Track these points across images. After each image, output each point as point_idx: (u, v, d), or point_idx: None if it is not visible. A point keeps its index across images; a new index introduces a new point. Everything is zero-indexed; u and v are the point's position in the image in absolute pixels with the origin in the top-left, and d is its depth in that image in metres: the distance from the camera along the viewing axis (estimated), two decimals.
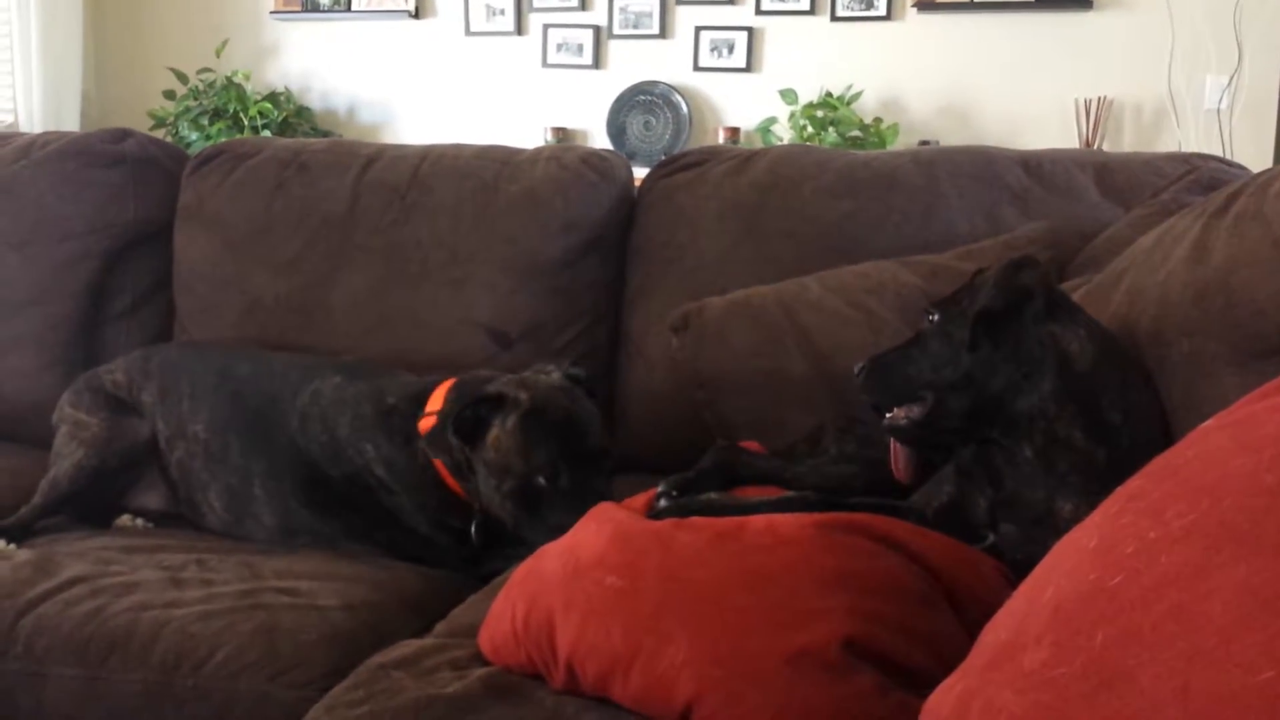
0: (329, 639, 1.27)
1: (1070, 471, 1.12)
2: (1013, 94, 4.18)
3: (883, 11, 4.28)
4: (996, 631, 0.61)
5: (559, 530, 1.25)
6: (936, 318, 1.21)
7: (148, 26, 4.83)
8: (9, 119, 4.35)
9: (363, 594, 1.38)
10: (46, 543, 1.56)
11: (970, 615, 1.04)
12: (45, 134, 2.16)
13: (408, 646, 1.21)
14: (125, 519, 1.68)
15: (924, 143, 4.09)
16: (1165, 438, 1.11)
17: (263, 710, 1.21)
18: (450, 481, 1.51)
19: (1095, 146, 3.97)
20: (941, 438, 1.21)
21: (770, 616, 1.00)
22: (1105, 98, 4.02)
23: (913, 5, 4.25)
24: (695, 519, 1.16)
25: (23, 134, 2.20)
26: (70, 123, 4.46)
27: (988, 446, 1.18)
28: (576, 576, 1.10)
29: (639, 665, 1.01)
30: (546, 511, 1.43)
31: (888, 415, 1.21)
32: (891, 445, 1.26)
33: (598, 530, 1.16)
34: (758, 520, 1.12)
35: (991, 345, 1.14)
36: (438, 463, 1.50)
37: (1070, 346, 1.14)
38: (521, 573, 1.19)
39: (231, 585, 1.38)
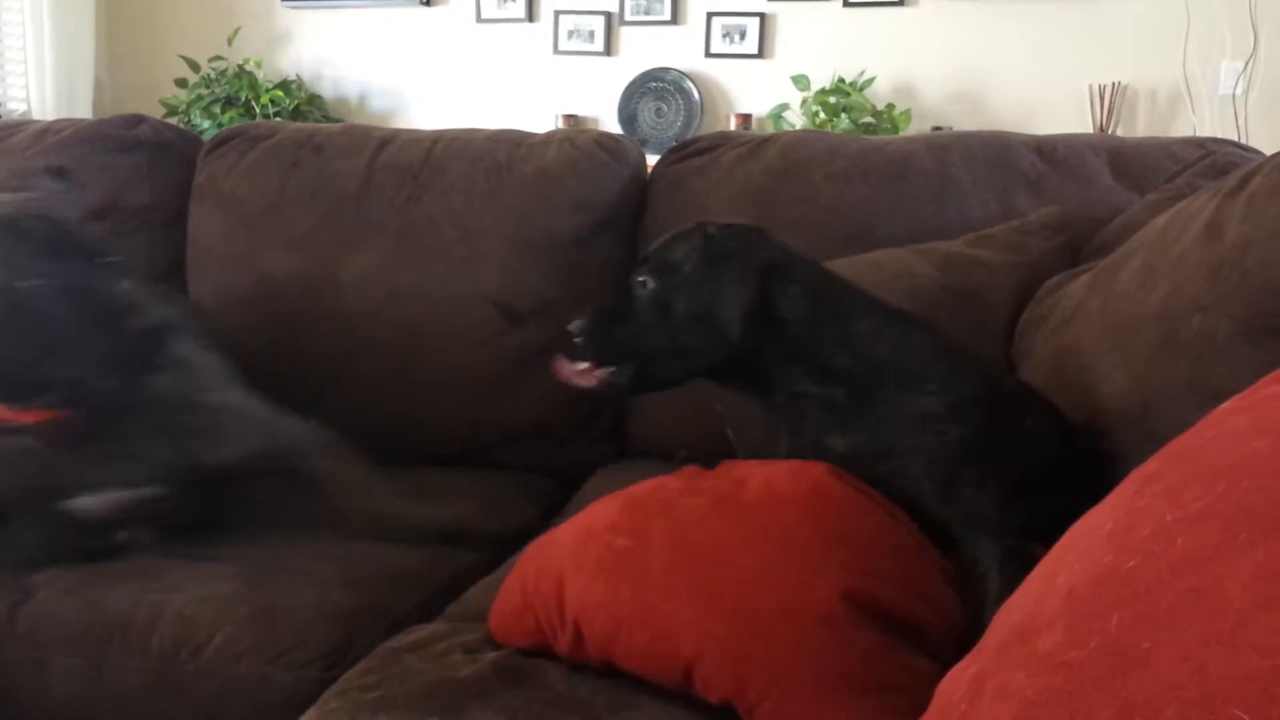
0: (328, 617, 1.27)
1: (821, 412, 1.24)
2: (1026, 79, 4.16)
3: None
4: (1010, 614, 0.60)
5: None
6: (651, 284, 1.27)
7: (160, 14, 4.83)
8: (22, 107, 4.36)
9: (361, 570, 1.39)
10: None
11: None
12: (59, 120, 2.16)
13: (419, 631, 1.22)
14: None
15: (937, 128, 4.07)
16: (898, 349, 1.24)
17: (264, 692, 1.22)
18: None
19: (1109, 132, 3.94)
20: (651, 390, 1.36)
21: (771, 574, 1.02)
22: (1119, 83, 4.00)
23: None
24: (701, 484, 1.17)
25: (36, 121, 2.20)
26: (83, 111, 4.47)
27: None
28: (588, 540, 1.12)
29: (645, 622, 1.03)
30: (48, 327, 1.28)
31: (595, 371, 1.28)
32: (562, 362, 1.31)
33: (609, 501, 1.18)
34: (756, 480, 1.14)
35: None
36: None
37: (785, 312, 1.24)
38: (534, 546, 1.21)
39: (228, 567, 1.38)
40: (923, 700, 0.67)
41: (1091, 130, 3.96)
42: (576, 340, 1.29)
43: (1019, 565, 1.04)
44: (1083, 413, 1.24)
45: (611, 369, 1.29)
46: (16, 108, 4.36)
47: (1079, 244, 1.62)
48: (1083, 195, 1.74)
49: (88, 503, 1.35)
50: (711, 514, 1.09)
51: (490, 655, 1.13)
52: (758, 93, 4.39)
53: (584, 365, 1.30)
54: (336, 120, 4.59)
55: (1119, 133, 3.96)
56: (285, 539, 1.47)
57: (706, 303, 1.24)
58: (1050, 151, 1.80)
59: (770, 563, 1.03)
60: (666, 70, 4.47)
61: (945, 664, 0.79)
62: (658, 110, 4.50)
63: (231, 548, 1.42)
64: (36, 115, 4.32)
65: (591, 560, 1.10)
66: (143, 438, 1.35)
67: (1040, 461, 1.20)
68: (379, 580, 1.37)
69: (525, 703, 1.04)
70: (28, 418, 1.31)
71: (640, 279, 1.29)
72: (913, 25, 4.26)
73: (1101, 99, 4.00)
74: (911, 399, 1.21)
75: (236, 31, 4.62)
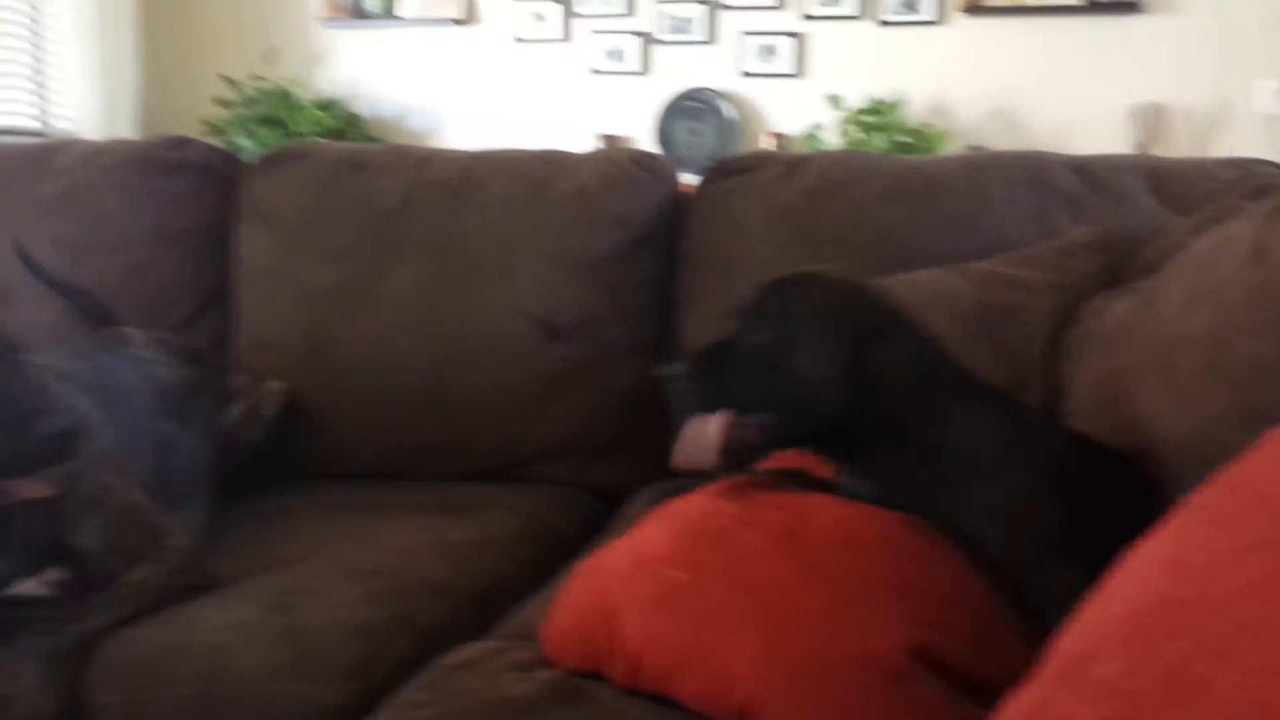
0: (353, 632, 1.28)
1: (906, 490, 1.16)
2: (1063, 99, 4.14)
3: (931, 16, 4.26)
4: (1066, 642, 0.60)
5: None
6: (762, 334, 1.19)
7: (200, 35, 4.91)
8: (67, 125, 4.43)
9: (386, 584, 1.40)
10: None
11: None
12: (107, 142, 2.19)
13: (471, 649, 1.22)
14: None
15: (973, 148, 4.06)
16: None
17: (299, 709, 1.22)
18: None
19: (1149, 152, 3.92)
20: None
21: (835, 620, 1.00)
22: (1157, 103, 3.97)
23: (961, 10, 4.23)
24: (762, 515, 1.13)
25: (83, 141, 2.24)
26: (126, 130, 4.54)
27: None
28: (640, 570, 1.11)
29: (703, 662, 1.01)
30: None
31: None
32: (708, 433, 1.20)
33: (659, 526, 1.16)
34: (824, 517, 1.11)
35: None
36: None
37: (885, 378, 1.16)
38: (583, 568, 1.20)
39: (255, 595, 1.37)
40: None
41: (1130, 150, 3.93)
42: (674, 383, 1.21)
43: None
44: (1128, 436, 1.23)
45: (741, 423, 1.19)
46: (62, 126, 4.43)
47: (1119, 265, 1.61)
48: (1122, 216, 1.73)
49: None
50: (774, 550, 1.06)
51: (543, 674, 1.13)
52: (792, 112, 4.40)
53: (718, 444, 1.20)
54: (375, 139, 4.64)
55: (1157, 153, 3.93)
56: (310, 566, 1.47)
57: (814, 362, 1.16)
58: (1089, 172, 1.79)
59: (834, 608, 1.00)
60: (701, 90, 4.49)
61: None
62: (692, 129, 4.51)
63: (258, 578, 1.42)
64: (81, 134, 4.39)
65: (648, 593, 1.08)
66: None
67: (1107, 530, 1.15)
68: (404, 593, 1.38)
69: None
70: None
71: (751, 328, 1.21)
72: (948, 44, 4.26)
73: (1139, 119, 3.98)
74: (994, 489, 1.14)
75: (273, 51, 4.68)
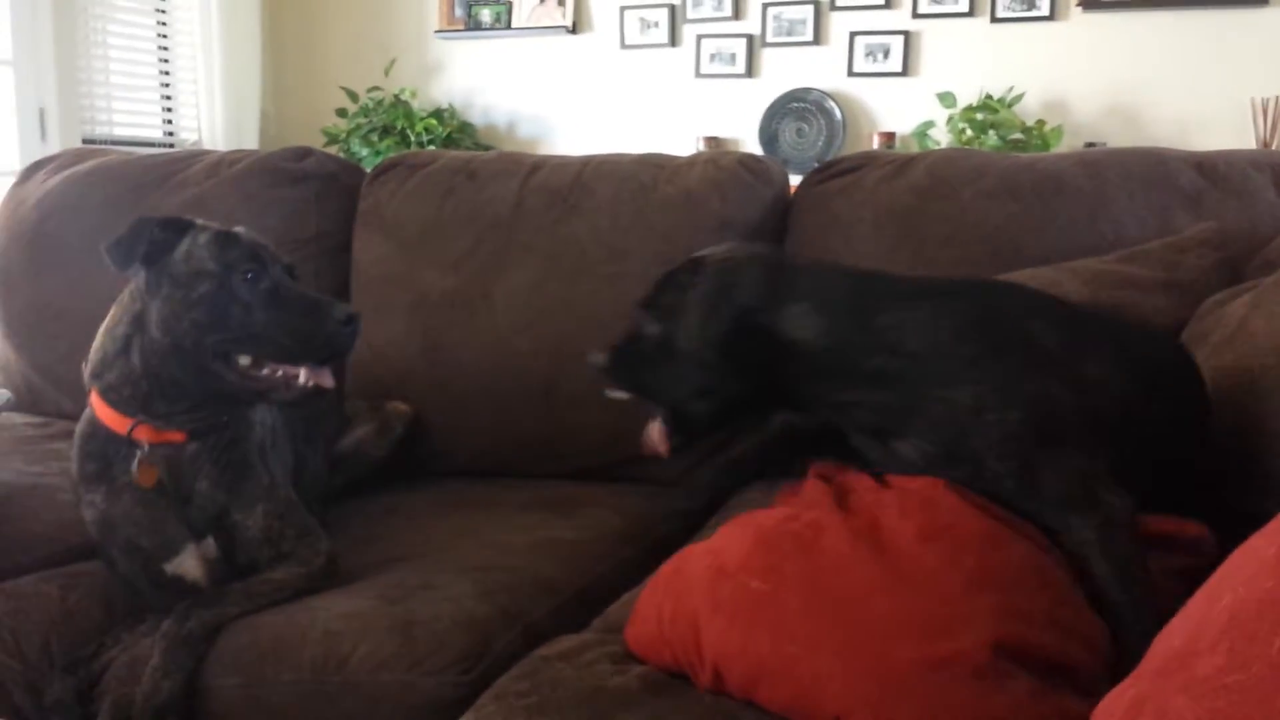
0: (462, 626, 1.32)
1: (881, 418, 1.19)
2: (1184, 94, 4.01)
3: (1045, 11, 4.17)
4: (1170, 638, 0.60)
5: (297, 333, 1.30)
6: (654, 326, 1.27)
7: (320, 48, 5.07)
8: (194, 137, 4.62)
9: (495, 581, 1.43)
10: None
11: None
12: (233, 152, 2.28)
13: (568, 641, 1.25)
14: None
15: (1090, 145, 3.97)
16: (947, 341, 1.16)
17: (407, 698, 1.26)
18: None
19: (1273, 147, 3.77)
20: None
21: (916, 623, 1.00)
22: None
23: (1077, 4, 4.13)
24: (835, 520, 1.14)
25: (211, 151, 2.33)
26: (250, 140, 4.72)
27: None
28: (720, 579, 1.12)
29: (786, 674, 1.02)
30: (247, 314, 1.33)
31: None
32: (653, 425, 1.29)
33: (741, 533, 1.18)
34: (896, 517, 1.11)
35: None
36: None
37: (792, 334, 1.19)
38: (666, 572, 1.22)
39: (369, 586, 1.42)
40: None
41: (1254, 146, 3.79)
42: (600, 370, 1.30)
43: (1120, 537, 1.07)
44: (1246, 434, 1.20)
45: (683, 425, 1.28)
46: (189, 137, 4.63)
47: (1240, 262, 1.56)
48: (1245, 212, 1.68)
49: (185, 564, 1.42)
50: (850, 556, 1.08)
51: (637, 668, 1.15)
52: (901, 111, 4.35)
53: (661, 432, 1.29)
54: (487, 147, 4.73)
55: None
56: (420, 561, 1.52)
57: (698, 339, 1.23)
58: (1210, 168, 1.74)
59: (915, 610, 1.01)
60: (808, 90, 4.47)
61: (1097, 699, 0.78)
62: (799, 130, 4.50)
63: (370, 572, 1.47)
64: (207, 144, 4.58)
65: (727, 603, 1.10)
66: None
67: (1116, 405, 1.14)
68: (512, 589, 1.42)
69: (673, 713, 1.06)
70: (168, 437, 1.38)
71: (645, 323, 1.29)
72: (1063, 39, 4.17)
73: (1264, 113, 3.83)
74: (958, 390, 1.15)
75: (393, 63, 4.81)
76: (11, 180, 2.47)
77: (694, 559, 1.19)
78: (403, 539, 1.61)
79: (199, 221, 1.41)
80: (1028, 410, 1.12)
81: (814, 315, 1.21)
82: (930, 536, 1.07)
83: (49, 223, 2.25)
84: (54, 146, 3.80)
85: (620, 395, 1.32)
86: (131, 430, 1.37)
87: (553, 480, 1.90)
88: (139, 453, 1.37)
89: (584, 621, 1.36)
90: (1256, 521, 0.67)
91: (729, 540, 1.18)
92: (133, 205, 2.14)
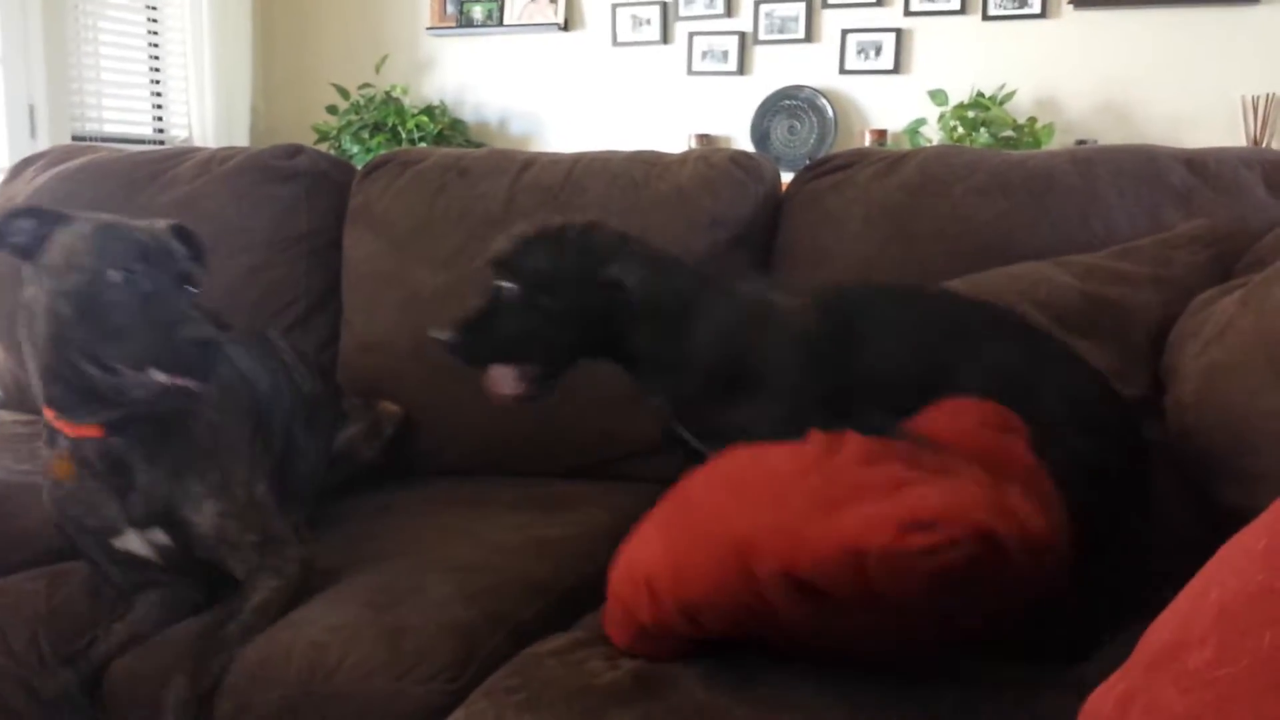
0: (449, 632, 1.31)
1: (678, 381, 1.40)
2: (1175, 92, 4.03)
3: (1037, 9, 4.18)
4: (1159, 631, 0.60)
5: (133, 340, 1.28)
6: (511, 287, 1.40)
7: (311, 44, 5.06)
8: (184, 134, 4.61)
9: (481, 583, 1.42)
10: None
11: None
12: (223, 150, 2.27)
13: (559, 639, 1.26)
14: None
15: (1081, 142, 3.97)
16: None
17: (397, 706, 1.25)
18: None
19: (1263, 145, 3.79)
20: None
21: (721, 516, 1.10)
22: (1273, 94, 3.83)
23: (1069, 2, 4.14)
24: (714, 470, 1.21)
25: (201, 149, 2.32)
26: (240, 137, 4.71)
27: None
28: (650, 522, 1.20)
29: (703, 543, 1.09)
30: (107, 314, 1.30)
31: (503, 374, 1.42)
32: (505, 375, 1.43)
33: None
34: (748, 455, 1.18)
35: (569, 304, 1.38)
36: None
37: (630, 280, 1.38)
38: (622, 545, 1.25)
39: (355, 594, 1.41)
40: None
41: (1244, 143, 3.80)
42: (449, 345, 1.40)
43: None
44: (1232, 431, 1.21)
45: (534, 371, 1.42)
46: (179, 134, 4.62)
47: (1231, 259, 1.57)
48: (1235, 210, 1.68)
49: (130, 543, 1.42)
50: (710, 486, 1.16)
51: (629, 664, 1.16)
52: (893, 108, 4.36)
53: (510, 376, 1.42)
54: (478, 144, 4.73)
55: (1273, 146, 3.80)
56: (409, 563, 1.51)
57: (559, 295, 1.38)
58: (1201, 165, 1.75)
59: (724, 509, 1.11)
60: (800, 88, 4.47)
61: None
62: (790, 128, 4.50)
63: (358, 575, 1.46)
64: (198, 141, 4.57)
65: (651, 526, 1.17)
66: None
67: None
68: (499, 592, 1.41)
69: (665, 710, 1.06)
70: (84, 432, 1.37)
71: (501, 283, 1.41)
72: (1055, 37, 4.18)
73: (1255, 111, 3.84)
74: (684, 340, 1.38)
75: (384, 59, 4.80)
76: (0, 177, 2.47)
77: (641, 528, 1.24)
78: (391, 538, 1.60)
79: (81, 214, 1.39)
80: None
81: (636, 280, 1.39)
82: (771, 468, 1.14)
83: None
84: (43, 143, 3.79)
85: (509, 389, 1.44)
86: (53, 422, 1.37)
87: (543, 478, 1.90)
88: (57, 447, 1.38)
89: (571, 622, 1.36)
90: (1244, 517, 0.67)
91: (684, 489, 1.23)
92: (123, 203, 2.12)
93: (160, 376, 1.30)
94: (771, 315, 1.40)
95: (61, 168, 2.30)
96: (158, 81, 4.58)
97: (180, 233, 1.46)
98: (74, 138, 4.07)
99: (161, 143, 4.54)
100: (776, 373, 1.37)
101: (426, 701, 1.24)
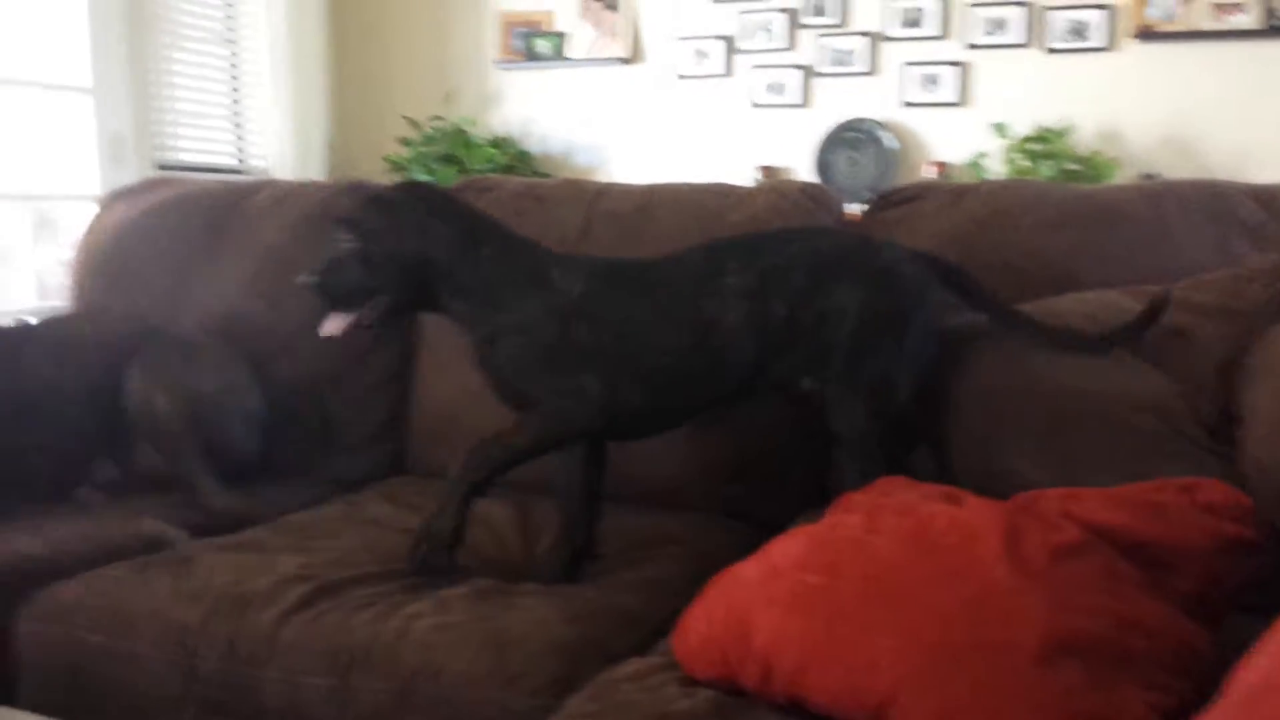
0: (554, 649, 1.33)
1: (471, 323, 1.62)
2: (1240, 125, 3.99)
3: (1100, 43, 4.17)
4: (1250, 672, 0.61)
5: None
6: (349, 240, 1.59)
7: (384, 78, 5.18)
8: (263, 164, 4.74)
9: (581, 607, 1.45)
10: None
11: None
12: (294, 185, 2.35)
13: (637, 663, 1.27)
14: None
15: (1146, 176, 3.95)
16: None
17: (496, 716, 1.28)
18: None
19: None
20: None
21: (970, 611, 1.02)
22: None
23: (1133, 36, 4.13)
24: (885, 523, 1.18)
25: (274, 182, 2.40)
26: (315, 166, 4.83)
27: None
28: (774, 577, 1.15)
29: (838, 655, 1.05)
30: None
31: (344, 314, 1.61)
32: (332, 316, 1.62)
33: (792, 540, 1.21)
34: (944, 520, 1.15)
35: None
36: None
37: (434, 243, 1.59)
38: (716, 583, 1.24)
39: (460, 596, 1.47)
40: None
41: None
42: (310, 287, 1.60)
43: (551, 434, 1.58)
44: None
45: (357, 313, 1.61)
46: (258, 164, 4.74)
47: None
48: None
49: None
50: (902, 553, 1.10)
51: (705, 693, 1.17)
52: (955, 141, 4.37)
53: (337, 318, 1.61)
54: (544, 175, 4.80)
55: None
56: (506, 577, 1.56)
57: (389, 244, 1.58)
58: (1269, 199, 1.75)
59: (968, 601, 1.03)
60: (862, 120, 4.50)
61: (1159, 691, 0.78)
62: (852, 160, 4.52)
63: (462, 581, 1.51)
64: (275, 171, 4.69)
65: (782, 595, 1.12)
66: None
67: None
68: (598, 617, 1.43)
69: None
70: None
71: (339, 237, 1.60)
72: (1119, 70, 4.17)
73: None
74: (500, 313, 1.59)
75: (452, 93, 4.90)
76: (91, 204, 2.56)
77: (745, 567, 1.22)
78: (489, 550, 1.68)
79: None
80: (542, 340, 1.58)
81: (447, 234, 1.60)
82: (978, 534, 1.10)
83: (124, 253, 2.34)
84: (130, 173, 3.91)
85: (333, 329, 1.62)
86: None
87: (612, 503, 1.91)
88: None
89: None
90: None
91: (780, 546, 1.21)
92: (202, 245, 2.27)
93: None
94: (546, 282, 1.61)
95: (148, 203, 2.39)
96: (238, 113, 4.72)
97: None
98: (159, 167, 4.20)
99: (241, 172, 4.67)
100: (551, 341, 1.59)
101: (528, 715, 1.26)
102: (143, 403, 1.88)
